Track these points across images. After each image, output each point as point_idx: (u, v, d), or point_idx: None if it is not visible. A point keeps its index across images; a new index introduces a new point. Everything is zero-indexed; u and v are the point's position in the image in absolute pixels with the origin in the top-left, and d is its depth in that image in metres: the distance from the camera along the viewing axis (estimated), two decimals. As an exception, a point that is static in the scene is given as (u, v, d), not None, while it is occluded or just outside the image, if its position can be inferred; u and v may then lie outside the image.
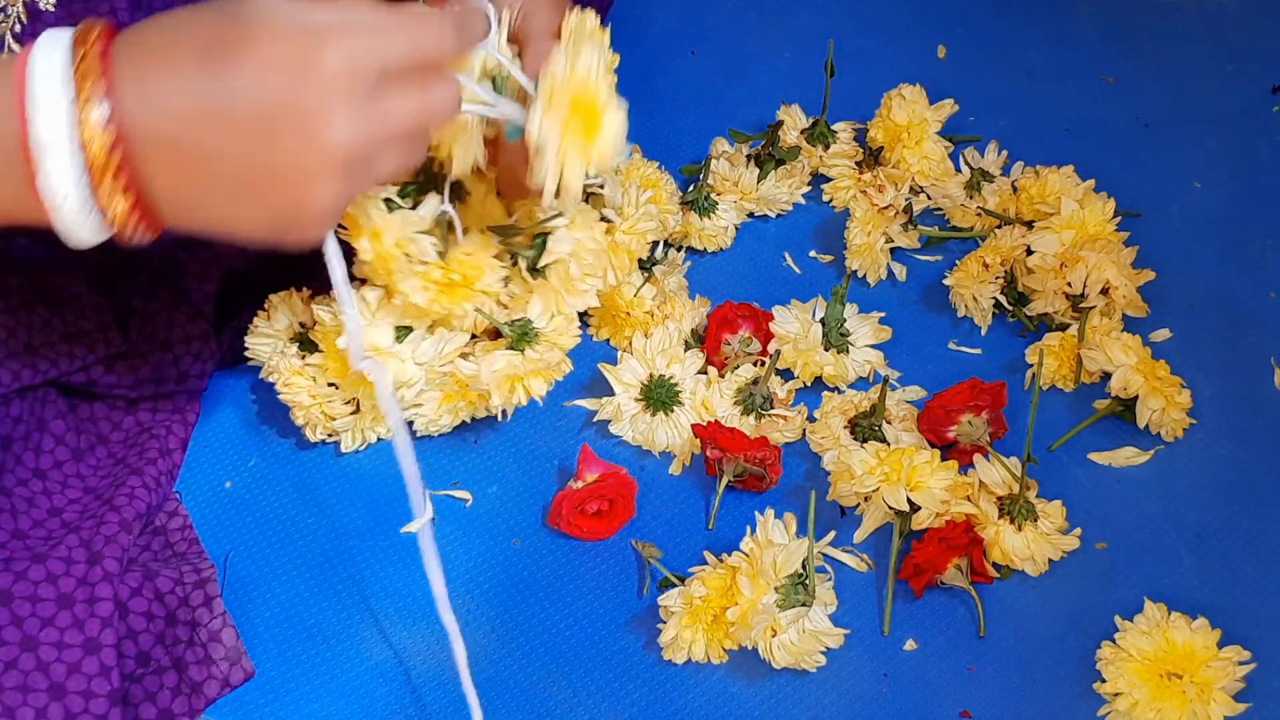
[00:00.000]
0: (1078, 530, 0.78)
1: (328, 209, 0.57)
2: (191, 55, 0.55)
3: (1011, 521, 0.77)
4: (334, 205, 0.57)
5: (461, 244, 0.75)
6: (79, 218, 0.56)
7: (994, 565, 0.77)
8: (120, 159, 0.54)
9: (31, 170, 0.54)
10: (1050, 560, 0.77)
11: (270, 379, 0.82)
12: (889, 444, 0.80)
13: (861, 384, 0.87)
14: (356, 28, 0.55)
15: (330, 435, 0.83)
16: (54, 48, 0.55)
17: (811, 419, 0.84)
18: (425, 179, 0.77)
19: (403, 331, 0.77)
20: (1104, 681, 0.73)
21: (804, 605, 0.73)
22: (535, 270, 0.81)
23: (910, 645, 0.76)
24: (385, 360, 0.77)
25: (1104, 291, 0.85)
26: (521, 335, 0.80)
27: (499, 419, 0.84)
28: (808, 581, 0.74)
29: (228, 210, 0.57)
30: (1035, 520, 0.77)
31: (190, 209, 0.57)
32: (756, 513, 0.77)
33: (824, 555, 0.78)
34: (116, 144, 0.54)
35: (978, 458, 0.80)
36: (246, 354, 0.84)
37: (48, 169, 0.54)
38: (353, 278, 0.82)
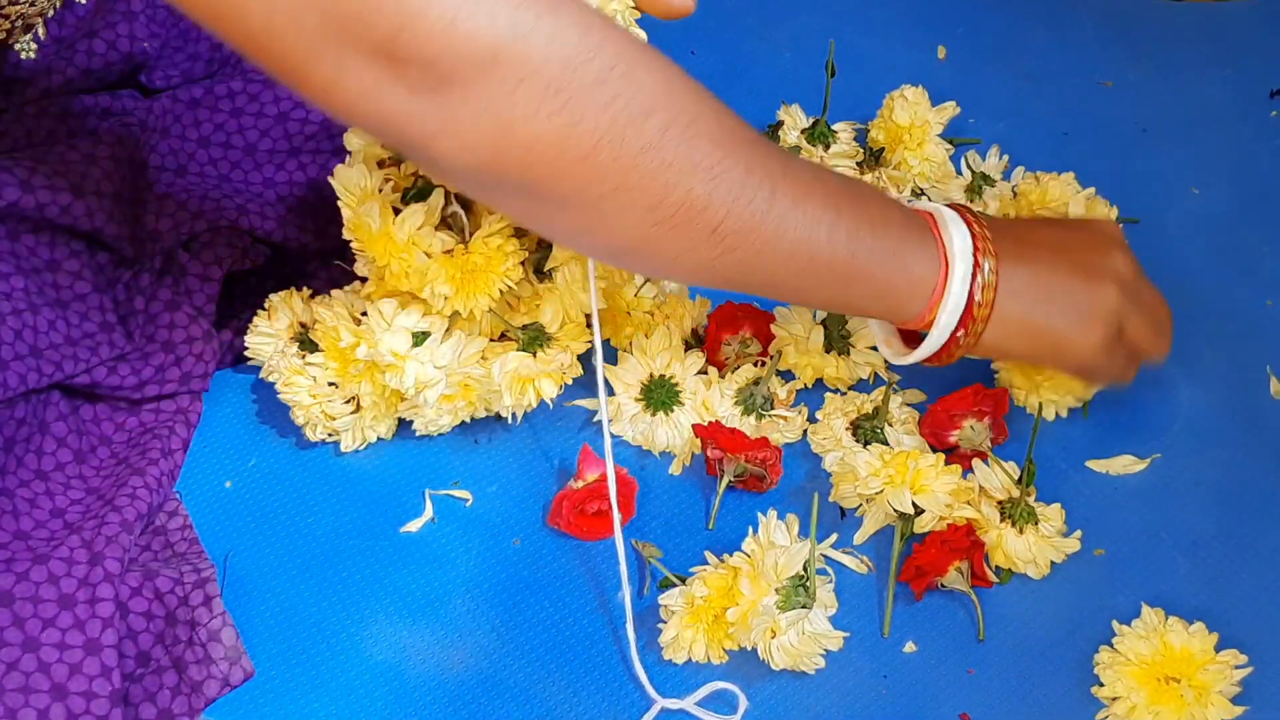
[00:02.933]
0: (1078, 532, 0.79)
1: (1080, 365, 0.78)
2: (1064, 268, 0.75)
3: (1013, 525, 0.77)
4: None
5: (482, 230, 0.76)
6: (891, 340, 0.77)
7: (995, 569, 0.78)
8: (986, 313, 0.72)
9: (928, 303, 0.72)
10: (1051, 563, 0.78)
11: (270, 379, 0.82)
12: (891, 446, 0.81)
13: (862, 385, 0.87)
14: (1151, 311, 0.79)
15: (330, 435, 0.83)
16: (959, 228, 0.72)
17: (812, 420, 0.84)
18: (426, 183, 0.76)
19: (420, 336, 0.77)
20: (1102, 685, 0.73)
21: (804, 607, 0.73)
22: (541, 273, 0.80)
23: (910, 647, 0.76)
24: (403, 363, 0.77)
25: None
26: (533, 340, 0.79)
27: (510, 422, 0.84)
28: (808, 583, 0.74)
29: (1020, 354, 0.78)
30: (1036, 523, 0.77)
31: (991, 350, 0.76)
32: (759, 513, 0.77)
33: (824, 556, 0.78)
34: (992, 304, 0.72)
35: (976, 462, 0.80)
36: (247, 354, 0.84)
37: (948, 306, 0.72)
38: (355, 277, 0.82)
